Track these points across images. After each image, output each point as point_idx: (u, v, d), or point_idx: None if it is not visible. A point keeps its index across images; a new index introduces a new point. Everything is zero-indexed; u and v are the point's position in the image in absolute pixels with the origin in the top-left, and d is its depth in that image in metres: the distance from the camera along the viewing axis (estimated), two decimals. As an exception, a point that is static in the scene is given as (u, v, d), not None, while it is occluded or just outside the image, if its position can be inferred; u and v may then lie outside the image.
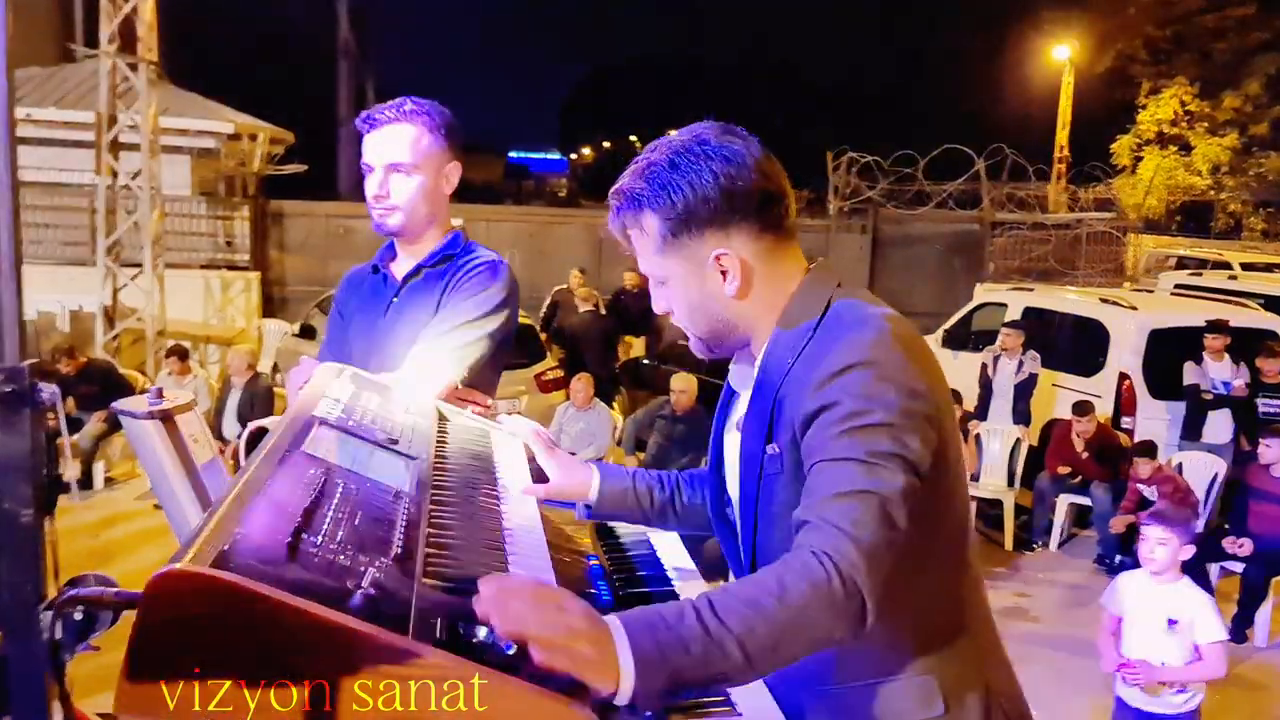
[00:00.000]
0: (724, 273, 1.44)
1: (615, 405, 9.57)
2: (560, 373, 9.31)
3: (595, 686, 1.09)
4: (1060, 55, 26.54)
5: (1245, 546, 5.94)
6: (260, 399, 7.97)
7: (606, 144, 64.08)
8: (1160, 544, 3.81)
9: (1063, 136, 25.76)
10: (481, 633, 1.13)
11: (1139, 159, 26.31)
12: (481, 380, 2.40)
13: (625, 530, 2.10)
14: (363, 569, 1.15)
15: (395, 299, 2.43)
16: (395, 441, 1.67)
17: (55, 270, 12.59)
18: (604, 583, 1.85)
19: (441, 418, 2.04)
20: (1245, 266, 13.38)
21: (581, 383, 8.12)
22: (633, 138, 58.86)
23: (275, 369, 10.57)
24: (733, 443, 1.55)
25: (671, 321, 1.53)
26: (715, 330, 1.49)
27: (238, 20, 32.82)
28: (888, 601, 1.22)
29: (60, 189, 13.69)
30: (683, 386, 7.46)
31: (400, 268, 2.47)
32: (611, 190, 1.46)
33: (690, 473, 1.92)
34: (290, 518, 1.21)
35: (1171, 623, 3.77)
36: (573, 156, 67.25)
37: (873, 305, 1.46)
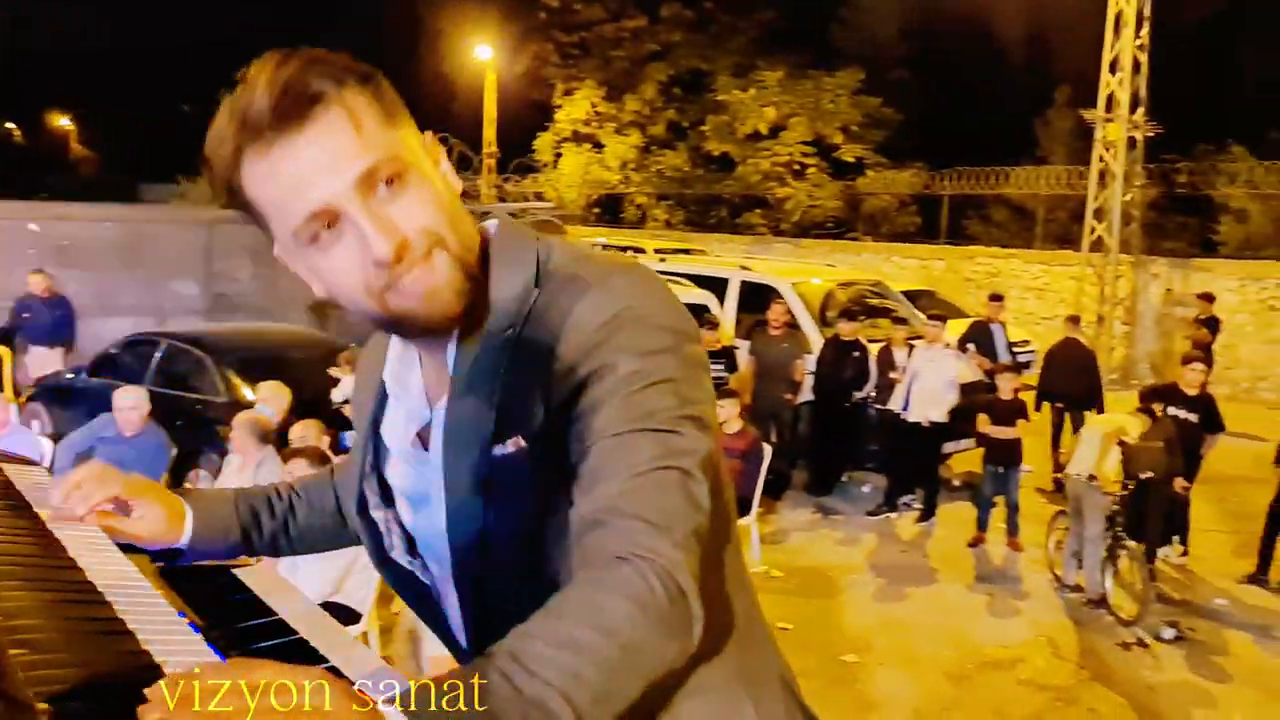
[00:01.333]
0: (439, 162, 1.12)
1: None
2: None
3: None
4: (482, 55, 27.85)
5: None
6: None
7: (11, 125, 54.53)
8: None
9: (490, 133, 27.09)
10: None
11: (559, 155, 28.51)
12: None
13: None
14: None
15: None
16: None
17: None
18: (208, 644, 1.35)
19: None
20: (658, 251, 14.88)
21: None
22: (65, 120, 50.36)
23: None
24: (416, 457, 1.19)
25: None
26: (470, 242, 1.10)
27: None
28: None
29: None
30: (131, 402, 6.38)
31: None
32: (280, 60, 1.00)
33: (304, 485, 1.52)
34: None
35: None
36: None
37: (588, 249, 1.18)
